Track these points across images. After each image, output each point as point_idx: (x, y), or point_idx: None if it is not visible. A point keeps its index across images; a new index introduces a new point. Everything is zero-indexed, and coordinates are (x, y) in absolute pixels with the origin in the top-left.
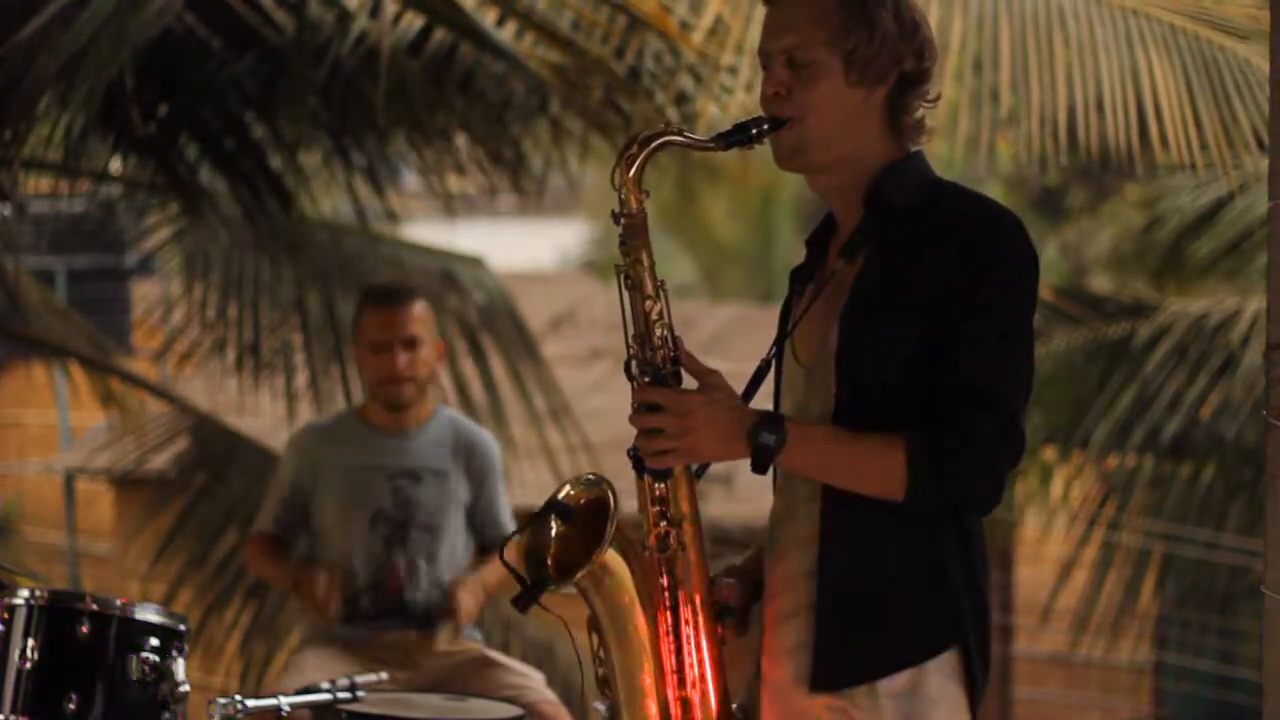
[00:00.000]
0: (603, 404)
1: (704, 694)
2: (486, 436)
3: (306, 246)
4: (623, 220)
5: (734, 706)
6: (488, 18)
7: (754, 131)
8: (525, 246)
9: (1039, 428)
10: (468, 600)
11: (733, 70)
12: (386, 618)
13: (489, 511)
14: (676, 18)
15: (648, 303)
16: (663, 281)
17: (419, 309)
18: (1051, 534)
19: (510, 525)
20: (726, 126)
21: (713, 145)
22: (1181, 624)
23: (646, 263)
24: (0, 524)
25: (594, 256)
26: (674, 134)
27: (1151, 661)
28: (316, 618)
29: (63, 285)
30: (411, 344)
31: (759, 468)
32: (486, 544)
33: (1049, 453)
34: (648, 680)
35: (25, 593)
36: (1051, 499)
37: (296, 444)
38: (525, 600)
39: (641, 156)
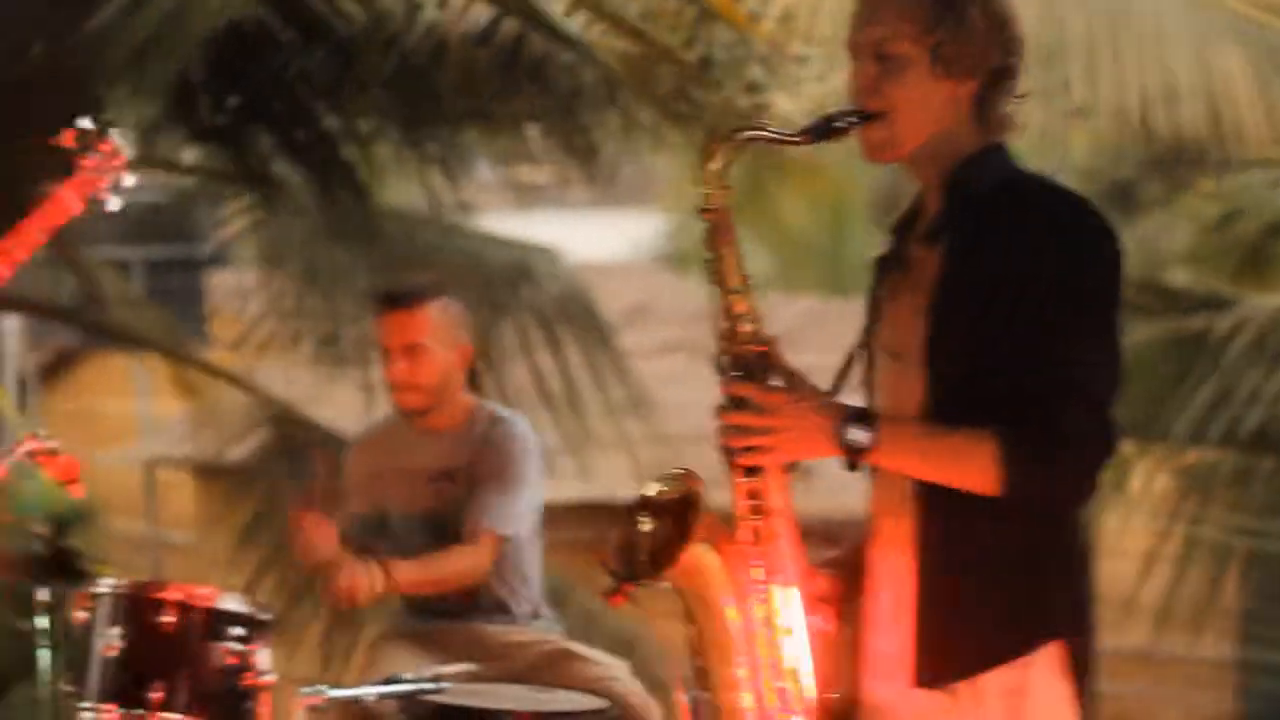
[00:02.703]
0: (678, 395)
1: (800, 685)
2: (512, 427)
3: (381, 237)
4: (708, 215)
5: (831, 698)
6: (557, 7)
7: (840, 125)
8: (599, 237)
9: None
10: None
11: (803, 60)
12: (460, 612)
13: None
14: (746, 7)
15: (733, 297)
16: (748, 277)
17: (428, 313)
18: (1132, 528)
19: (498, 511)
20: (799, 116)
21: (799, 139)
22: (1265, 619)
23: (732, 258)
24: (82, 514)
25: (668, 247)
26: (759, 128)
27: (1235, 657)
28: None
29: (140, 276)
30: (413, 351)
31: (850, 465)
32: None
33: (1128, 446)
34: (742, 671)
35: (110, 582)
36: (1131, 493)
37: (353, 454)
38: (615, 593)
39: (726, 151)
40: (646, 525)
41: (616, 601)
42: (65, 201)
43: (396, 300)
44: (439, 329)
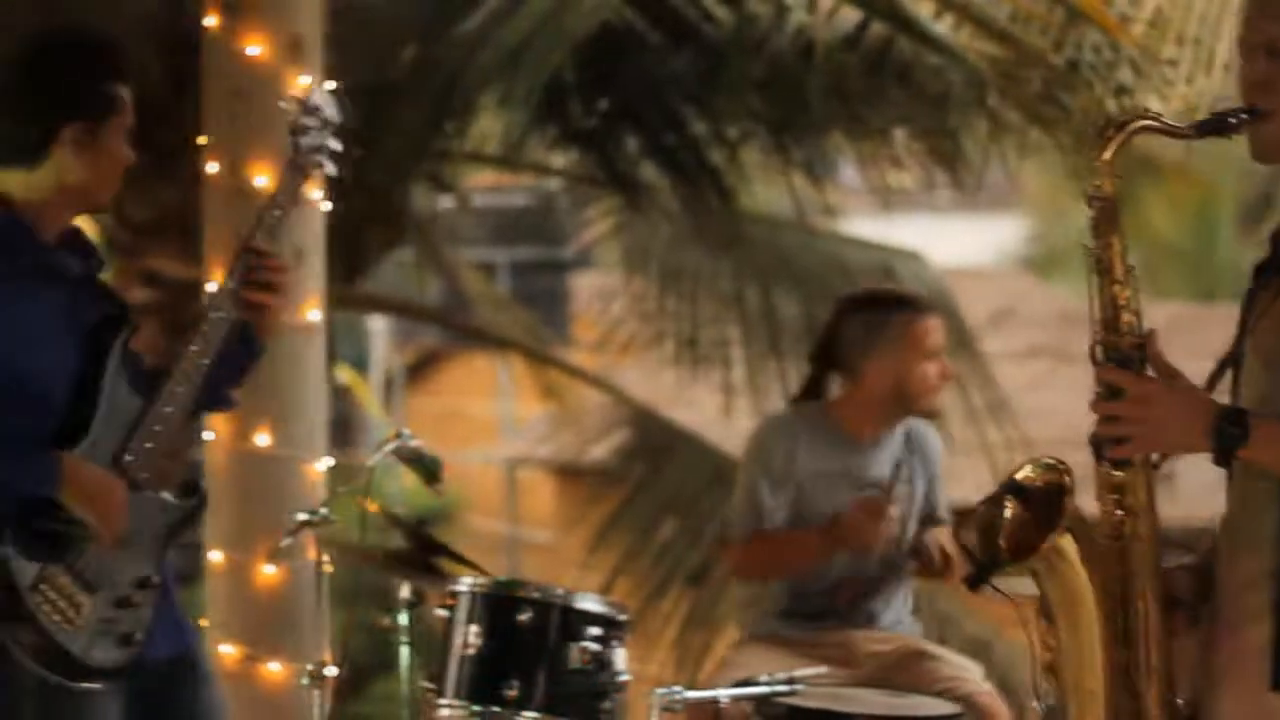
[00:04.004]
0: (1042, 401)
1: (1152, 686)
2: (933, 434)
3: (744, 241)
4: (1096, 203)
5: (1179, 702)
6: (924, 10)
7: (1231, 121)
8: (964, 241)
9: None
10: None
11: (1173, 63)
12: (831, 618)
13: (932, 510)
14: (1116, 10)
15: (1116, 287)
16: (1132, 266)
17: None
18: None
19: (946, 519)
20: (1169, 119)
21: (1189, 133)
22: None
23: (1117, 247)
24: (445, 512)
25: (1033, 252)
26: (1150, 119)
27: None
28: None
29: (505, 277)
30: (939, 356)
31: (1222, 460)
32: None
33: None
34: (1097, 668)
35: (469, 580)
36: None
37: (768, 435)
38: (978, 579)
39: (1118, 139)
40: (1010, 510)
41: (977, 588)
42: (302, 167)
43: (930, 306)
44: None
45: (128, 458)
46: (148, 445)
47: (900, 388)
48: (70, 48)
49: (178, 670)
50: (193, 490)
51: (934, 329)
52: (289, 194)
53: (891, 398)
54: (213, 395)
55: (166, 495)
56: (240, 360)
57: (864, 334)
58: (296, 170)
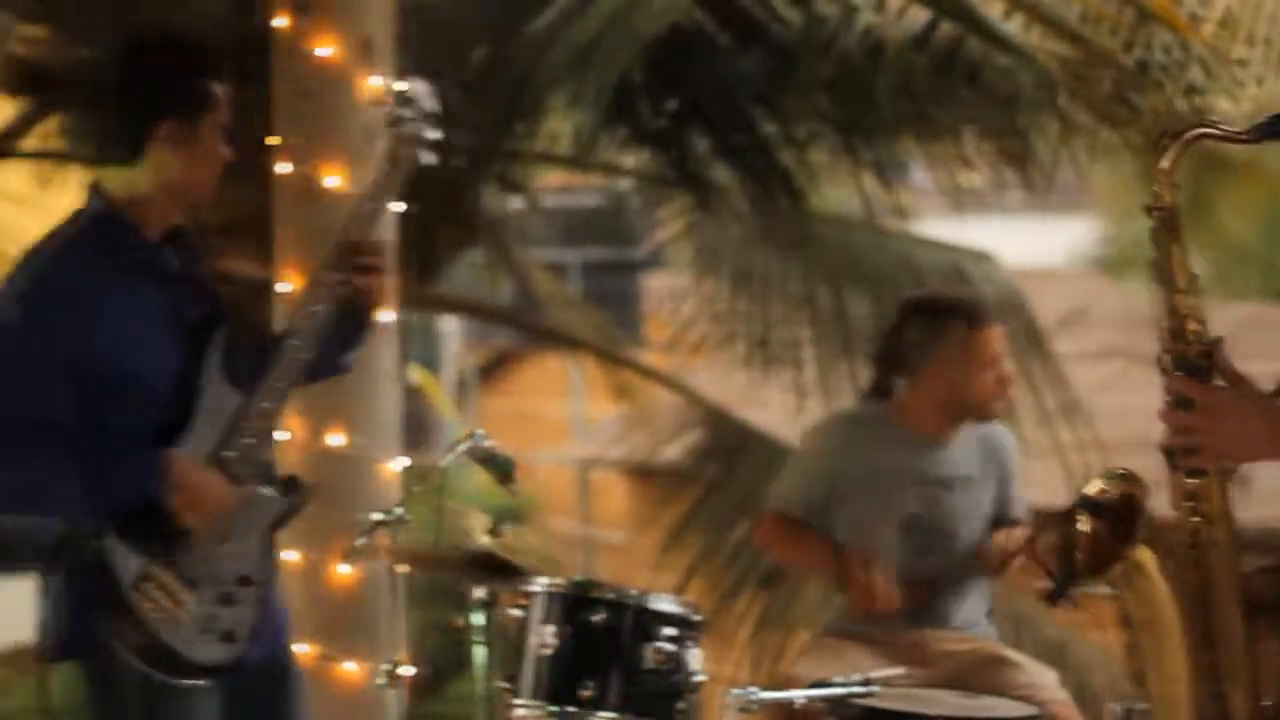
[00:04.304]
0: (1114, 402)
1: (1237, 689)
2: (1006, 434)
3: (815, 241)
4: (1155, 213)
5: (1264, 704)
6: (994, 10)
7: None
8: (1035, 242)
9: None
10: (1005, 540)
11: (1243, 63)
12: (905, 617)
13: (1007, 510)
14: (1186, 10)
15: (1179, 297)
16: (1196, 275)
17: None
18: None
19: (1022, 519)
20: (1239, 119)
21: (1247, 138)
22: None
23: (1178, 256)
24: (518, 512)
25: (1104, 252)
26: (1207, 126)
27: None
28: (866, 608)
29: (576, 277)
30: (999, 364)
31: None
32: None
33: None
34: (1182, 674)
35: (544, 580)
36: None
37: (827, 432)
38: (1056, 596)
39: (1175, 148)
40: (1085, 525)
41: (1055, 604)
42: (398, 158)
43: (988, 317)
44: None
45: (228, 453)
46: (247, 440)
47: (956, 395)
48: (164, 45)
49: (273, 668)
50: (293, 486)
51: (991, 339)
52: (386, 185)
53: (949, 402)
54: (325, 364)
55: (268, 491)
56: (348, 339)
57: (922, 339)
58: (393, 162)
